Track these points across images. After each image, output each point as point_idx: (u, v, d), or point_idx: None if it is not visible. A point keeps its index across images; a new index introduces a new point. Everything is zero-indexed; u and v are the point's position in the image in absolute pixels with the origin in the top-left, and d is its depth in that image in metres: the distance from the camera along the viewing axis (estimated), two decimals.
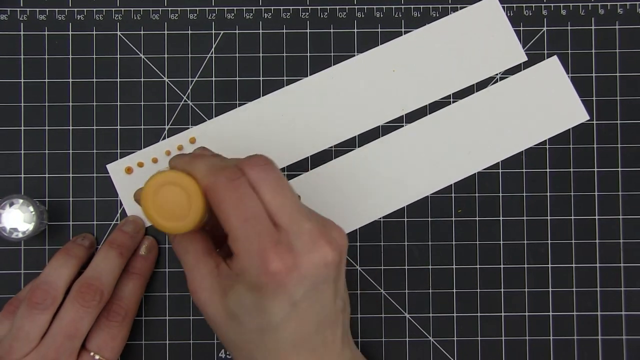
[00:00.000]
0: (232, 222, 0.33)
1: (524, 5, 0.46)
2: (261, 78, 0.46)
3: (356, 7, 0.46)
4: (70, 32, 0.46)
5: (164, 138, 0.45)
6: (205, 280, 0.35)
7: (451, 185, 0.46)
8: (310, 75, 0.46)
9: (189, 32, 0.46)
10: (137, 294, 0.43)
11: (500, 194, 0.46)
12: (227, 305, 0.35)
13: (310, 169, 0.46)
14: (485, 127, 0.46)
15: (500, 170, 0.46)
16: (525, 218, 0.46)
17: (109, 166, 0.45)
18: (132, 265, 0.44)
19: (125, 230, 0.44)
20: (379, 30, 0.46)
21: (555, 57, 0.46)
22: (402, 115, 0.46)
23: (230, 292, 0.34)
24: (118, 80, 0.46)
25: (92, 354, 0.40)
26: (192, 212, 0.34)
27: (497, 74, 0.46)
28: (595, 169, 0.46)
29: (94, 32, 0.46)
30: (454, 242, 0.46)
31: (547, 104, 0.46)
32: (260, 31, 0.46)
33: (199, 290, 0.35)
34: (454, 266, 0.45)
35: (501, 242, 0.46)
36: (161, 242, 0.45)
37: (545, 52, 0.46)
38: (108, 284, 0.41)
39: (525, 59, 0.46)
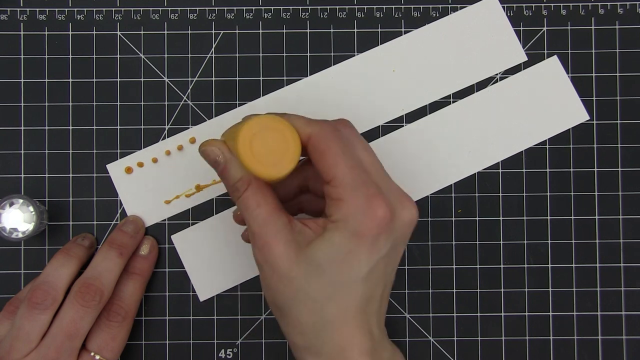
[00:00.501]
0: (340, 168, 0.34)
1: (524, 5, 0.46)
2: (261, 78, 0.46)
3: (356, 7, 0.46)
4: (70, 32, 0.46)
5: (164, 138, 0.45)
6: (280, 233, 0.34)
7: (451, 185, 0.46)
8: (310, 75, 0.46)
9: (189, 32, 0.46)
10: (137, 294, 0.43)
11: (500, 194, 0.46)
12: (310, 256, 0.34)
13: None
14: (485, 127, 0.46)
15: (500, 170, 0.46)
16: (525, 218, 0.46)
17: (108, 166, 0.45)
18: (132, 266, 0.44)
19: (125, 230, 0.44)
20: (379, 30, 0.46)
21: (555, 57, 0.46)
22: (402, 115, 0.46)
23: (317, 242, 0.34)
24: (118, 80, 0.46)
25: (92, 354, 0.40)
26: (288, 157, 0.34)
27: (497, 74, 0.46)
28: (595, 169, 0.46)
29: (94, 32, 0.46)
30: (454, 242, 0.46)
31: (547, 103, 0.46)
32: (260, 31, 0.46)
33: (274, 243, 0.34)
34: (454, 266, 0.45)
35: (501, 242, 0.46)
36: (161, 242, 0.45)
37: (545, 52, 0.46)
38: (108, 284, 0.41)
39: (525, 58, 0.46)
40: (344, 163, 0.34)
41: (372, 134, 0.46)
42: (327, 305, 0.34)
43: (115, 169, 0.45)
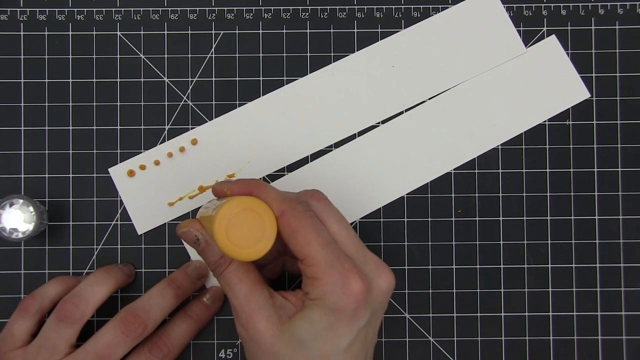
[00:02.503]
0: (313, 247, 0.34)
1: (524, 5, 0.46)
2: (261, 78, 0.46)
3: (356, 7, 0.46)
4: (70, 32, 0.46)
5: (164, 138, 0.45)
6: (262, 309, 0.35)
7: (451, 185, 0.46)
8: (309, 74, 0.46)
9: (189, 32, 0.46)
10: (186, 338, 0.43)
11: (500, 194, 0.46)
12: (292, 332, 0.34)
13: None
14: (486, 109, 0.46)
15: (500, 170, 0.46)
16: (525, 218, 0.46)
17: (111, 169, 0.45)
18: (191, 309, 0.43)
19: (189, 274, 0.44)
20: (379, 30, 0.46)
21: (553, 36, 0.46)
22: (403, 111, 0.46)
23: (298, 319, 0.34)
24: (118, 80, 0.46)
25: None
26: (266, 236, 0.34)
27: (496, 68, 0.46)
28: (595, 169, 0.46)
29: (94, 32, 0.46)
30: (454, 242, 0.46)
31: (547, 83, 0.46)
32: (260, 31, 0.46)
33: (257, 319, 0.34)
34: (454, 266, 0.46)
35: (501, 242, 0.46)
36: (162, 243, 0.45)
37: None
38: (154, 320, 0.40)
39: (525, 52, 0.46)
40: (317, 241, 0.34)
41: (372, 129, 0.46)
42: None
43: (117, 172, 0.45)
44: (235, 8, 0.46)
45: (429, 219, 0.46)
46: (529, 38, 0.46)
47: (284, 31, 0.46)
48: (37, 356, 0.39)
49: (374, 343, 0.37)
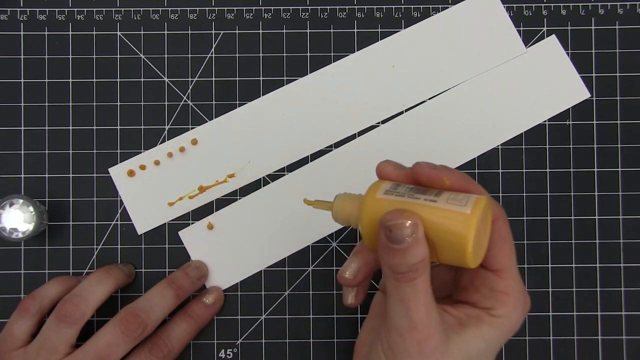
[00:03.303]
0: (512, 260, 0.33)
1: (524, 5, 0.46)
2: (261, 78, 0.46)
3: (356, 7, 0.46)
4: (70, 32, 0.46)
5: (164, 138, 0.45)
6: (439, 325, 0.32)
7: None
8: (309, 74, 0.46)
9: (189, 32, 0.46)
10: (186, 338, 0.43)
11: (500, 194, 0.46)
12: (462, 348, 0.32)
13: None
14: (486, 109, 0.46)
15: (500, 170, 0.46)
16: (525, 218, 0.46)
17: (111, 169, 0.45)
18: (192, 309, 0.43)
19: (189, 274, 0.43)
20: (379, 30, 0.46)
21: (553, 36, 0.46)
22: (403, 111, 0.46)
23: (471, 335, 0.32)
24: (118, 80, 0.46)
25: None
26: (486, 242, 0.31)
27: (496, 68, 0.46)
28: (595, 169, 0.46)
29: (94, 32, 0.46)
30: None
31: (547, 83, 0.46)
32: (260, 31, 0.46)
33: (435, 335, 0.31)
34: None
35: None
36: (162, 243, 0.45)
37: None
38: (155, 320, 0.40)
39: (525, 52, 0.46)
40: (514, 255, 0.33)
41: (372, 129, 0.46)
42: None
43: (117, 172, 0.45)
44: (235, 8, 0.46)
45: None
46: (529, 38, 0.46)
47: (284, 31, 0.46)
48: (37, 356, 0.39)
49: None
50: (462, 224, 0.29)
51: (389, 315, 0.32)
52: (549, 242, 0.46)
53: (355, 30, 0.46)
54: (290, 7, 0.46)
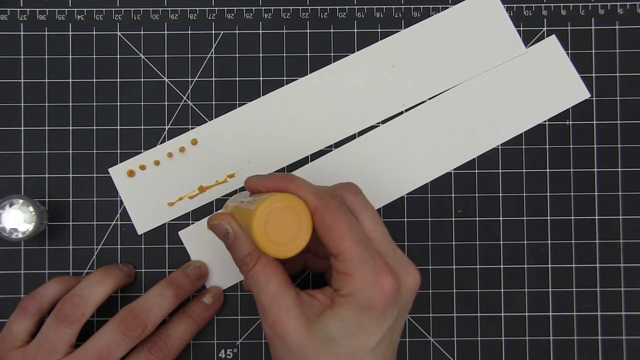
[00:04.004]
0: (347, 243, 0.34)
1: (524, 5, 0.46)
2: (261, 78, 0.46)
3: (356, 7, 0.46)
4: (70, 32, 0.46)
5: (164, 138, 0.45)
6: (291, 308, 0.34)
7: (451, 185, 0.46)
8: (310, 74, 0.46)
9: (189, 32, 0.46)
10: (185, 338, 0.43)
11: (500, 194, 0.46)
12: (321, 330, 0.34)
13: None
14: (486, 109, 0.46)
15: (500, 170, 0.46)
16: (525, 218, 0.46)
17: (110, 169, 0.45)
18: (191, 309, 0.43)
19: (189, 274, 0.44)
20: (379, 30, 0.46)
21: (553, 36, 0.46)
22: (403, 111, 0.46)
23: (327, 316, 0.34)
24: (118, 80, 0.46)
25: None
26: (302, 234, 0.34)
27: (496, 68, 0.46)
28: (595, 169, 0.46)
29: (94, 32, 0.46)
30: (454, 242, 0.46)
31: (547, 83, 0.46)
32: (260, 31, 0.46)
33: (285, 319, 0.34)
34: (454, 266, 0.46)
35: (501, 242, 0.46)
36: (162, 243, 0.45)
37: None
38: (154, 320, 0.40)
39: (525, 51, 0.46)
40: (350, 238, 0.34)
41: (372, 129, 0.46)
42: None
43: (117, 173, 0.45)
44: (235, 8, 0.46)
45: (429, 219, 0.46)
46: (529, 38, 0.46)
47: (284, 31, 0.46)
48: (36, 356, 0.39)
49: (398, 342, 0.37)
50: (249, 218, 0.33)
51: None
52: (549, 242, 0.46)
53: (355, 30, 0.46)
54: (290, 7, 0.46)
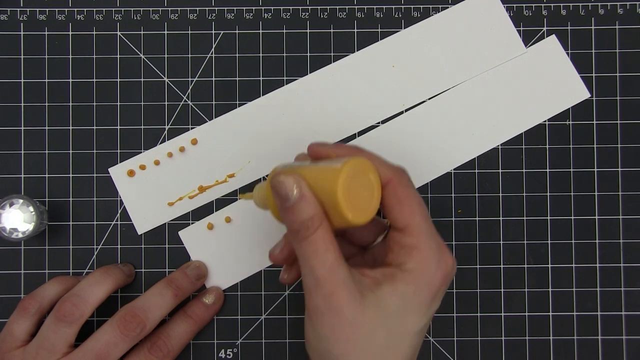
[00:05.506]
0: (417, 218, 0.34)
1: (524, 5, 0.46)
2: (261, 78, 0.46)
3: (356, 7, 0.46)
4: (70, 32, 0.46)
5: (164, 138, 0.45)
6: (347, 281, 0.33)
7: (451, 185, 0.46)
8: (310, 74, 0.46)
9: (189, 32, 0.46)
10: (185, 338, 0.43)
11: (500, 194, 0.46)
12: (378, 305, 0.33)
13: None
14: (486, 109, 0.46)
15: (500, 170, 0.46)
16: (525, 218, 0.46)
17: (111, 169, 0.45)
18: (191, 310, 0.43)
19: (188, 274, 0.43)
20: (379, 30, 0.46)
21: (553, 36, 0.46)
22: (403, 111, 0.46)
23: (387, 290, 0.33)
24: (118, 80, 0.46)
25: None
26: (373, 203, 0.33)
27: (496, 67, 0.46)
28: (595, 169, 0.46)
29: (94, 32, 0.46)
30: (454, 242, 0.46)
31: (547, 82, 0.46)
32: (260, 31, 0.46)
33: (342, 290, 0.32)
34: None
35: (501, 242, 0.46)
36: (162, 243, 0.45)
37: None
38: (153, 320, 0.40)
39: (525, 51, 0.46)
40: (420, 213, 0.34)
41: (372, 129, 0.46)
42: (384, 354, 0.33)
43: (117, 172, 0.45)
44: (235, 8, 0.46)
45: None
46: (529, 38, 0.46)
47: (284, 31, 0.46)
48: (36, 356, 0.39)
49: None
50: (332, 176, 0.32)
51: (302, 280, 0.34)
52: (549, 242, 0.46)
53: (355, 30, 0.46)
54: (290, 7, 0.46)
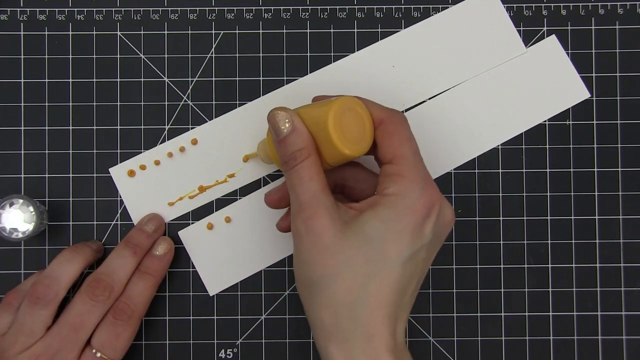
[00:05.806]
0: (404, 149, 0.35)
1: (524, 5, 0.46)
2: (261, 78, 0.46)
3: (356, 7, 0.46)
4: (70, 32, 0.46)
5: (164, 138, 0.45)
6: (329, 208, 0.35)
7: (451, 185, 0.46)
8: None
9: (189, 32, 0.46)
10: (147, 295, 0.42)
11: (500, 194, 0.46)
12: (359, 230, 0.34)
13: None
14: (486, 109, 0.46)
15: (500, 170, 0.46)
16: (525, 218, 0.46)
17: (111, 170, 0.45)
18: (145, 265, 0.43)
19: (144, 229, 0.43)
20: (379, 30, 0.46)
21: (553, 36, 0.46)
22: (403, 111, 0.46)
23: (368, 215, 0.34)
24: (118, 80, 0.46)
25: (94, 351, 0.40)
26: (366, 138, 0.36)
27: (496, 67, 0.46)
28: (595, 169, 0.46)
29: (94, 32, 0.46)
30: (454, 242, 0.46)
31: (547, 83, 0.46)
32: (260, 31, 0.46)
33: (322, 214, 0.34)
34: (454, 266, 0.46)
35: (501, 242, 0.46)
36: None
37: None
38: (119, 281, 0.41)
39: (525, 51, 0.46)
40: (409, 147, 0.35)
41: None
42: (366, 283, 0.34)
43: (117, 172, 0.45)
44: (235, 8, 0.46)
45: None
46: (529, 38, 0.46)
47: (284, 31, 0.46)
48: (15, 342, 0.39)
49: (421, 281, 0.37)
50: (324, 111, 0.35)
51: (290, 210, 0.36)
52: (549, 242, 0.46)
53: (355, 30, 0.46)
54: (290, 7, 0.46)
